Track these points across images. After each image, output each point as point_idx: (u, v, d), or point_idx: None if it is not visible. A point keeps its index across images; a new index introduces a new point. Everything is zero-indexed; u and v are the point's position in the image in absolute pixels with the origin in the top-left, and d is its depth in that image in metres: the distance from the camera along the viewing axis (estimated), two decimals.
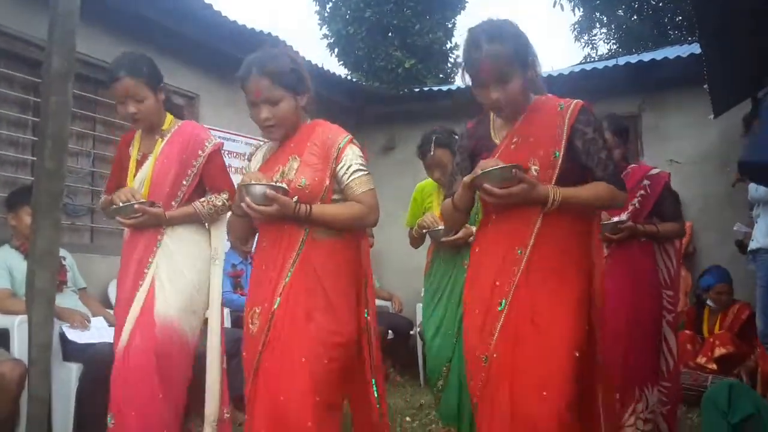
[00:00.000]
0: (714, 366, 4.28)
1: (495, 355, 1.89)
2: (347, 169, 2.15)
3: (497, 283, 1.94)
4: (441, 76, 11.26)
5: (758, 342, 4.03)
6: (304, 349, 2.03)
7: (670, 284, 3.07)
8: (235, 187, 2.41)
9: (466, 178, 1.94)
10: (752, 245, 3.09)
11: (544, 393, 1.80)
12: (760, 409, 2.03)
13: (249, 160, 2.40)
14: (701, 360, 4.36)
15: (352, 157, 2.16)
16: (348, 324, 2.13)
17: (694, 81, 4.76)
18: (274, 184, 2.06)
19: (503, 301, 1.91)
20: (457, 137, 2.34)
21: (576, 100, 1.99)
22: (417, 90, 6.71)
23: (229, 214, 2.65)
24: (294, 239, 2.11)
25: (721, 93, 4.51)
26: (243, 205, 2.07)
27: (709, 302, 4.71)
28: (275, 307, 2.08)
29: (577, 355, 1.86)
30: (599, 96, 4.52)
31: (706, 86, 4.40)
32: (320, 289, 2.09)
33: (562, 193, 1.88)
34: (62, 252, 3.64)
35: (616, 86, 5.38)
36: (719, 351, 4.30)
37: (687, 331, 4.60)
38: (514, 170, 1.82)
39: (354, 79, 7.93)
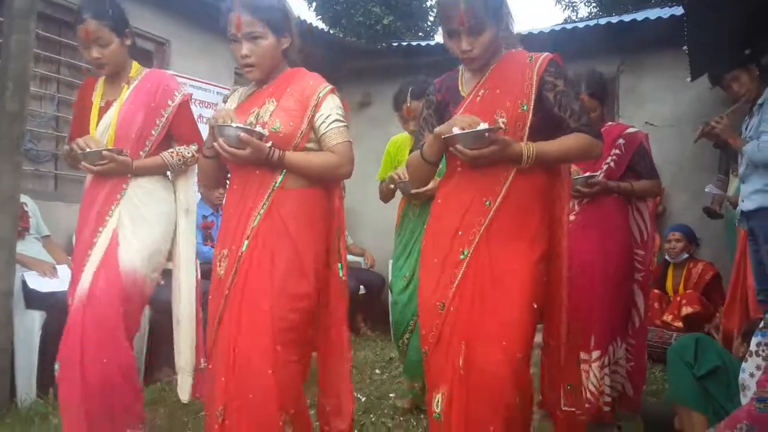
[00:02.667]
0: (680, 324, 4.37)
1: (452, 305, 1.89)
2: (326, 119, 2.10)
3: (459, 233, 1.92)
4: (420, 33, 11.09)
5: (722, 302, 4.12)
6: (268, 298, 2.00)
7: (641, 244, 3.08)
8: (204, 137, 2.35)
9: (437, 130, 1.90)
10: (746, 206, 3.07)
11: (503, 343, 1.80)
12: (726, 362, 2.06)
13: (224, 102, 2.32)
14: (668, 318, 4.45)
15: (332, 106, 2.11)
16: (312, 275, 2.09)
17: (674, 43, 4.73)
18: (248, 127, 2.00)
19: (465, 250, 1.90)
20: None
21: (545, 53, 1.96)
22: (395, 45, 6.58)
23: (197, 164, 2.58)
24: (265, 185, 2.06)
25: (700, 56, 4.48)
26: (215, 145, 2.01)
27: (666, 256, 4.79)
28: (243, 249, 2.04)
29: (535, 306, 1.86)
30: (578, 57, 4.47)
31: (685, 48, 4.36)
32: (287, 238, 2.05)
33: (536, 149, 1.85)
34: (24, 198, 3.54)
35: (595, 47, 5.32)
36: (686, 310, 4.39)
37: (654, 290, 4.68)
38: (487, 134, 1.80)
39: (331, 32, 7.74)
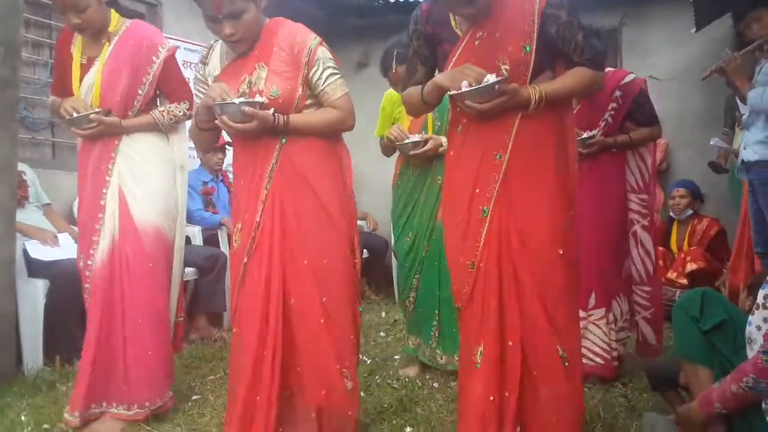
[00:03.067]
0: (685, 281, 4.35)
1: (482, 264, 1.88)
2: (321, 74, 2.06)
3: (477, 190, 1.90)
4: None
5: (727, 258, 4.10)
6: (302, 252, 2.02)
7: (643, 188, 3.02)
8: (194, 97, 2.32)
9: (442, 84, 1.85)
10: (747, 155, 3.02)
11: (537, 290, 1.82)
12: (732, 316, 2.04)
13: (203, 63, 2.24)
14: (672, 275, 4.43)
15: (324, 60, 2.07)
16: (341, 220, 2.09)
17: None
18: (251, 100, 1.97)
19: (485, 208, 1.88)
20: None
21: None
22: (392, 1, 6.43)
23: (189, 123, 2.53)
24: (271, 147, 2.06)
25: (705, 5, 4.38)
26: (219, 123, 2.00)
27: (671, 213, 4.76)
28: (258, 218, 2.04)
29: (561, 252, 1.86)
30: (579, 9, 4.35)
31: None
32: (306, 186, 2.05)
33: (543, 92, 1.80)
34: (23, 167, 3.51)
35: None
36: (691, 266, 4.37)
37: (659, 247, 4.66)
38: (496, 86, 1.75)
39: None
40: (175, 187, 2.59)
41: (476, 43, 1.87)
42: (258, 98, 1.98)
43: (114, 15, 2.53)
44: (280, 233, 2.03)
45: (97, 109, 2.42)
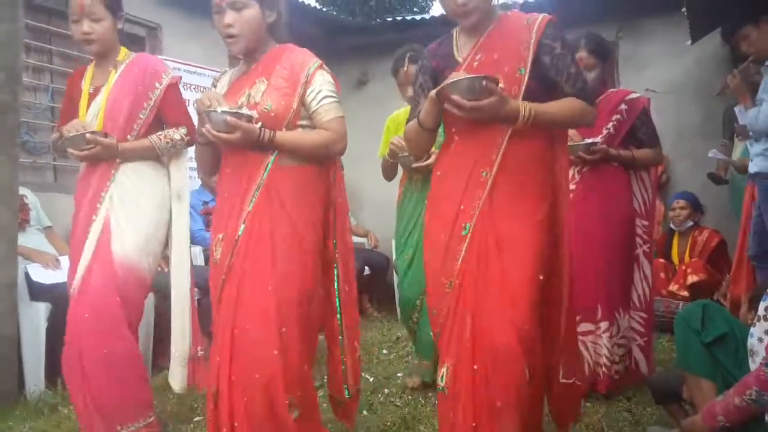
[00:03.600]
0: (686, 293, 4.35)
1: (458, 281, 1.85)
2: (316, 95, 2.07)
3: (462, 207, 1.88)
4: (415, 9, 10.98)
5: (728, 269, 4.09)
6: (270, 279, 1.98)
7: (644, 214, 3.02)
8: (194, 121, 2.32)
9: (433, 92, 1.86)
10: (750, 168, 3.09)
11: (507, 318, 1.77)
12: (733, 328, 2.04)
13: (214, 86, 2.29)
14: (674, 287, 4.42)
15: (321, 82, 2.08)
16: (313, 253, 2.08)
17: (673, 6, 4.66)
18: (236, 110, 1.97)
19: (467, 224, 1.86)
20: None
21: (543, 15, 1.91)
22: (390, 20, 6.49)
23: (190, 150, 2.57)
24: (258, 166, 2.04)
25: (700, 17, 4.41)
26: (204, 130, 1.98)
27: (671, 225, 4.76)
28: (239, 234, 2.03)
29: (541, 278, 1.83)
30: (576, 22, 4.41)
31: (684, 9, 4.29)
32: (285, 216, 2.03)
33: (534, 109, 1.80)
34: (24, 191, 3.53)
35: (593, 12, 5.24)
36: (692, 278, 4.36)
37: (660, 260, 4.65)
38: (484, 81, 1.74)
39: (325, 10, 7.66)
40: (164, 224, 2.56)
41: (475, 64, 1.91)
42: (245, 110, 1.98)
43: (123, 49, 2.58)
44: (254, 255, 2.01)
45: (94, 130, 2.42)
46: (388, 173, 3.31)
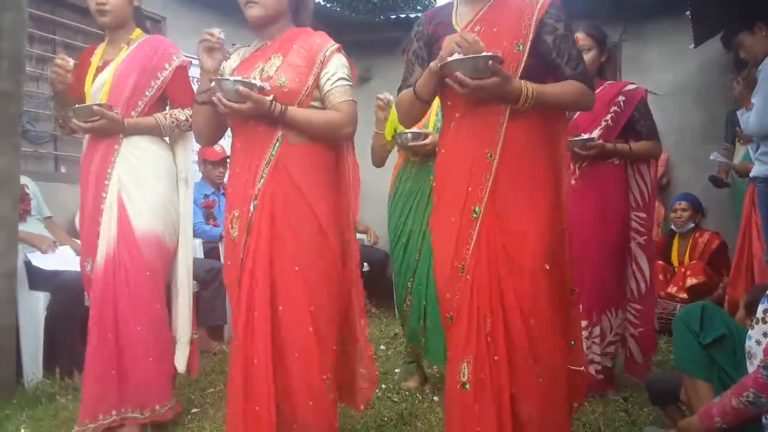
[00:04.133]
0: (685, 295, 4.35)
1: (470, 269, 1.84)
2: (331, 76, 2.06)
3: (469, 189, 1.85)
4: (419, 7, 10.96)
5: (728, 271, 4.10)
6: (292, 259, 2.00)
7: (642, 206, 3.01)
8: None
9: (433, 64, 1.83)
10: (753, 171, 3.15)
11: (519, 310, 1.77)
12: (732, 330, 2.04)
13: (226, 59, 2.22)
14: (672, 289, 4.43)
15: (338, 65, 2.08)
16: (331, 229, 2.08)
17: (676, 10, 4.67)
18: (248, 80, 1.95)
19: (477, 207, 1.84)
20: None
21: None
22: (394, 17, 6.49)
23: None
24: (268, 141, 2.03)
25: (703, 21, 4.42)
26: (214, 99, 1.97)
27: (672, 226, 4.76)
28: (252, 210, 2.02)
29: (547, 267, 1.82)
30: (580, 25, 4.40)
31: (688, 13, 4.30)
32: (298, 195, 2.03)
33: (535, 90, 1.79)
34: (25, 180, 3.52)
35: (597, 15, 5.22)
36: (691, 281, 4.36)
37: (659, 262, 4.66)
38: (490, 61, 1.71)
39: (329, 6, 7.64)
40: (175, 195, 2.60)
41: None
42: (257, 81, 1.96)
43: (138, 29, 2.63)
44: (269, 236, 2.00)
45: (100, 102, 2.44)
46: (377, 157, 3.25)
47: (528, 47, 1.83)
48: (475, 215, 1.84)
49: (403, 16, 6.52)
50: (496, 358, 1.78)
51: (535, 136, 1.87)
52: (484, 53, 1.71)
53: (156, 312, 2.48)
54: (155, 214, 2.49)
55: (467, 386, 1.81)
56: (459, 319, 1.86)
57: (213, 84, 1.98)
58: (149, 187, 2.50)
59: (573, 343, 1.97)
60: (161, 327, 2.51)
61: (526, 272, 1.80)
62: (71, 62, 2.45)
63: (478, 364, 1.79)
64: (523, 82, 1.79)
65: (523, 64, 1.82)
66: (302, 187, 2.03)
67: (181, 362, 2.63)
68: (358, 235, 5.70)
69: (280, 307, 2.00)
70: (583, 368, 2.00)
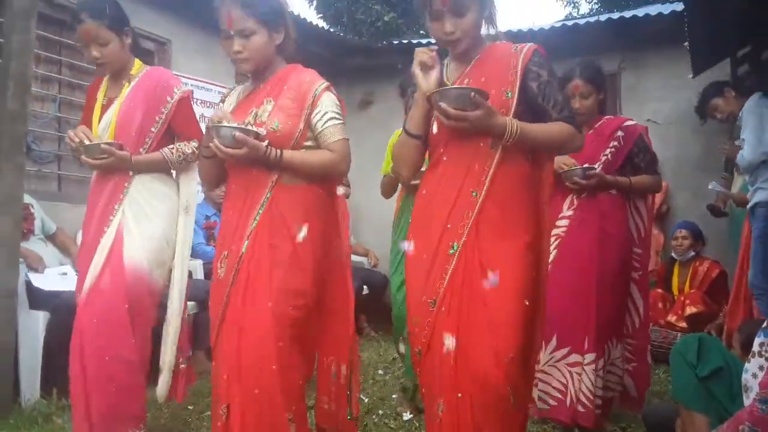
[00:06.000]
0: (684, 324, 4.35)
1: (444, 304, 1.85)
2: (322, 116, 2.10)
3: (448, 226, 1.88)
4: (422, 32, 11.07)
5: (727, 301, 4.11)
6: (268, 296, 2.01)
7: (639, 242, 3.03)
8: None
9: (419, 95, 1.89)
10: (752, 198, 3.26)
11: (494, 345, 1.77)
12: (728, 362, 2.05)
13: (222, 102, 2.31)
14: (672, 318, 4.43)
15: (328, 104, 2.11)
16: (312, 272, 2.09)
17: (675, 40, 4.73)
18: (244, 126, 2.00)
19: (455, 244, 1.86)
20: None
21: (529, 44, 1.95)
22: (396, 42, 6.57)
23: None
24: (262, 184, 2.07)
25: (701, 52, 4.48)
26: (212, 145, 2.01)
27: (673, 254, 4.77)
28: (243, 251, 2.05)
29: (527, 303, 1.84)
30: (579, 54, 4.45)
31: (686, 44, 4.36)
32: (287, 234, 2.05)
33: (520, 126, 1.82)
34: (28, 199, 3.55)
35: (596, 44, 5.31)
36: (690, 310, 4.37)
37: (658, 290, 4.66)
38: (473, 93, 1.76)
39: (332, 30, 7.73)
40: (173, 232, 2.60)
41: None
42: (253, 127, 2.01)
43: (137, 62, 2.64)
44: (255, 272, 2.03)
45: (110, 141, 2.47)
46: (387, 190, 3.32)
47: (516, 94, 1.88)
48: (452, 251, 1.87)
49: (405, 41, 6.60)
50: (459, 394, 1.79)
51: (520, 180, 1.91)
52: (468, 86, 1.77)
53: (126, 344, 2.42)
54: (148, 253, 2.49)
55: (439, 419, 1.82)
56: (429, 352, 1.88)
57: (211, 129, 2.01)
58: (149, 227, 2.52)
59: None
60: (127, 360, 2.43)
61: (503, 306, 1.80)
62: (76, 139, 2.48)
63: (450, 399, 1.80)
64: (508, 118, 1.83)
65: (513, 110, 1.87)
66: (292, 228, 2.05)
67: (161, 392, 2.62)
68: (359, 258, 5.76)
69: (247, 343, 2.00)
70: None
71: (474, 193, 1.87)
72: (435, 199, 1.95)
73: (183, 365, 2.69)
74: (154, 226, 2.53)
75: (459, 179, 1.90)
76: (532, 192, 1.95)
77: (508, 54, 1.93)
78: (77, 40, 2.53)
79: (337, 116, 2.12)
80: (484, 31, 1.98)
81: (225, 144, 1.97)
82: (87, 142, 2.44)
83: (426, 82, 1.89)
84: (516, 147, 1.85)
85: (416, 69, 1.91)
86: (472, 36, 1.93)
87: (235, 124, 1.99)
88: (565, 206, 2.93)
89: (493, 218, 1.86)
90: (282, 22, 2.13)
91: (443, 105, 1.77)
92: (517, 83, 1.88)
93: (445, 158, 1.95)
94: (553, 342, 2.79)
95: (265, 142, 2.01)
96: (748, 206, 3.24)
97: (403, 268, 3.09)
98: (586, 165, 2.84)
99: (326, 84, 2.14)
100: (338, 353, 2.23)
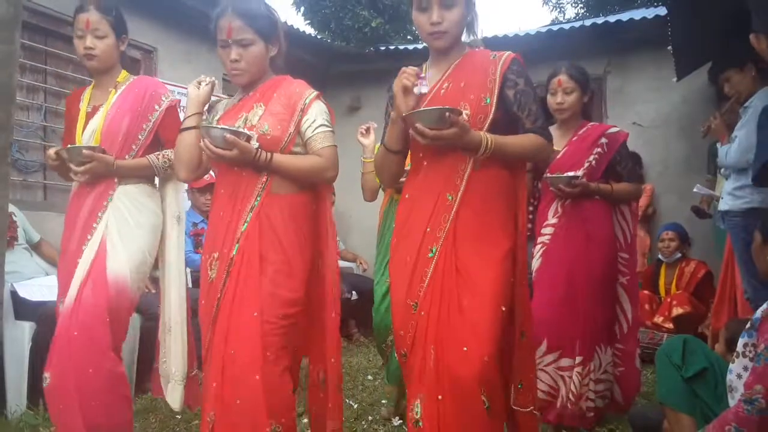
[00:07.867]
0: (671, 325, 4.38)
1: (424, 307, 1.88)
2: (311, 123, 2.13)
3: (428, 230, 1.92)
4: (409, 37, 11.12)
5: (713, 301, 4.13)
6: (257, 303, 2.01)
7: (625, 247, 3.05)
8: None
9: (393, 113, 1.93)
10: (721, 206, 3.18)
11: (470, 346, 1.78)
12: (713, 363, 2.07)
13: (208, 111, 2.30)
14: (658, 319, 4.46)
15: (318, 112, 2.15)
16: (302, 281, 2.11)
17: (659, 43, 4.77)
18: (235, 128, 2.02)
19: (434, 248, 1.90)
20: None
21: (508, 52, 1.99)
22: (383, 48, 6.60)
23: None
24: (251, 187, 2.08)
25: (685, 56, 4.52)
26: (202, 145, 2.03)
27: (659, 256, 4.80)
28: (234, 253, 2.06)
29: (503, 309, 1.85)
30: (565, 58, 4.48)
31: (670, 48, 4.40)
32: (277, 243, 2.07)
33: (494, 140, 1.86)
34: (11, 208, 3.52)
35: (582, 48, 5.36)
36: (677, 311, 4.40)
37: (645, 291, 4.69)
38: (447, 113, 1.79)
39: (319, 37, 7.75)
40: (155, 243, 2.58)
41: (442, 92, 1.98)
42: (243, 130, 2.03)
43: (123, 71, 2.64)
44: (245, 278, 2.04)
45: (92, 145, 2.45)
46: (369, 191, 3.31)
47: (495, 101, 1.91)
48: (431, 254, 1.90)
49: (392, 47, 6.62)
50: (439, 397, 1.80)
51: (495, 186, 1.94)
52: (442, 106, 1.80)
53: (106, 357, 2.39)
54: (130, 263, 2.47)
55: (420, 423, 1.83)
56: (412, 354, 1.90)
57: (201, 130, 2.03)
58: (133, 240, 2.49)
59: (520, 385, 1.97)
60: (111, 372, 2.41)
61: (479, 308, 1.82)
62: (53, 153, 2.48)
63: (428, 400, 1.81)
64: (482, 133, 1.86)
65: (491, 116, 1.90)
66: (281, 236, 2.07)
67: (175, 400, 2.60)
68: (347, 264, 5.75)
69: (232, 351, 2.01)
70: (531, 409, 1.99)
71: (450, 197, 1.91)
72: (416, 204, 1.98)
73: (194, 373, 2.68)
74: (137, 239, 2.51)
75: (438, 184, 1.94)
76: (509, 197, 1.98)
77: (487, 61, 1.97)
78: (74, 28, 2.50)
79: (326, 124, 2.15)
80: (464, 38, 2.02)
81: (216, 144, 1.99)
82: (69, 146, 2.42)
83: (404, 103, 1.91)
84: (488, 160, 1.89)
85: (397, 89, 1.93)
86: (455, 32, 1.96)
87: (225, 126, 2.02)
88: (551, 214, 2.96)
89: (469, 223, 1.89)
90: (276, 36, 2.18)
91: (419, 126, 1.82)
92: (496, 90, 1.92)
93: (425, 163, 1.99)
94: (543, 347, 2.80)
95: (256, 145, 2.03)
96: (719, 208, 3.24)
97: (386, 278, 3.12)
98: (571, 173, 2.86)
99: (316, 93, 2.18)
100: (325, 361, 2.23)
